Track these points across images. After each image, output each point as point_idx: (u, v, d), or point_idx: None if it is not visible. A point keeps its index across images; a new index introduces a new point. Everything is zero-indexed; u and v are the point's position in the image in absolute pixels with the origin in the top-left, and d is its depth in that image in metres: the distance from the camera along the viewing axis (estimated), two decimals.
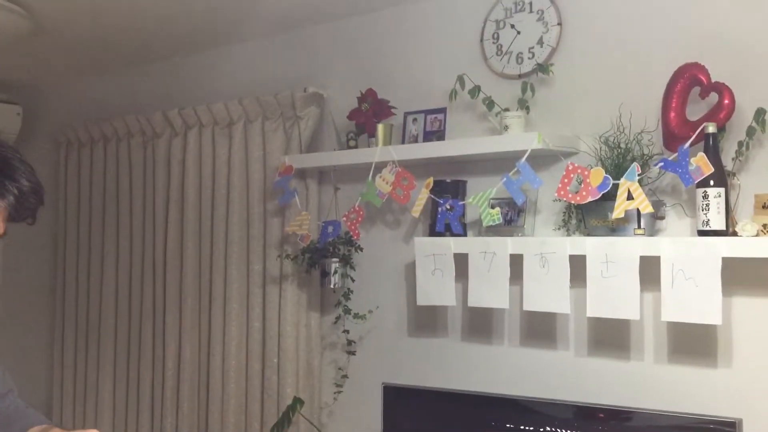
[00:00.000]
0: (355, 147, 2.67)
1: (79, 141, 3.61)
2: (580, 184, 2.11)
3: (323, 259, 2.68)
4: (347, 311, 2.68)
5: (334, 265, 2.67)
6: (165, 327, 3.18)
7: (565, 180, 2.13)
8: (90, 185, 3.55)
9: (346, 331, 2.70)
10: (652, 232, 2.09)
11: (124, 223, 3.40)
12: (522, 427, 2.19)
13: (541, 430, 2.16)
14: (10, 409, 1.35)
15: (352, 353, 2.71)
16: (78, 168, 3.61)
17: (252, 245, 2.93)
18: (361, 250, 2.70)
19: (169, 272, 3.18)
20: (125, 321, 3.37)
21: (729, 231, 1.92)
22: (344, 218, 2.62)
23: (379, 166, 2.53)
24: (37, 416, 1.35)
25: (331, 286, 2.68)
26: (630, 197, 2.00)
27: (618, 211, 2.02)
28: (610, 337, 2.20)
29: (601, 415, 2.07)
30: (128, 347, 3.35)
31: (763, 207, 1.89)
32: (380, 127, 2.58)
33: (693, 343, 2.06)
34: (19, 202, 1.20)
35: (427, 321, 2.59)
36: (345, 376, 2.75)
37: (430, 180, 2.41)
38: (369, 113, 2.61)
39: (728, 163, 1.96)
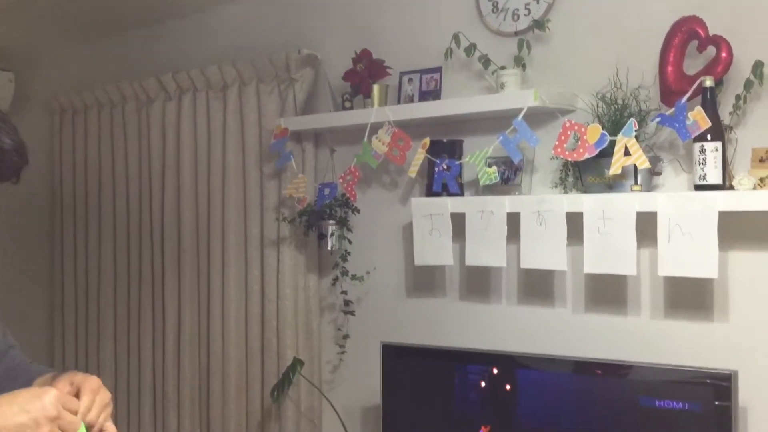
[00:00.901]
0: (351, 108, 2.66)
1: (73, 108, 3.58)
2: (577, 142, 2.10)
3: (320, 221, 2.68)
4: (345, 273, 2.69)
5: (332, 227, 2.67)
6: (164, 291, 3.20)
7: (562, 137, 2.12)
8: (85, 152, 3.53)
9: (344, 293, 2.71)
10: (649, 188, 2.09)
11: (120, 189, 3.40)
12: (520, 384, 2.21)
13: (540, 385, 2.18)
14: (14, 363, 1.36)
15: (351, 314, 2.73)
16: (73, 135, 3.59)
17: (249, 209, 2.93)
18: (358, 211, 2.70)
19: (167, 237, 3.19)
20: (124, 286, 3.39)
21: (726, 185, 1.92)
22: (341, 180, 2.62)
23: (375, 127, 2.52)
24: (43, 369, 1.36)
25: (329, 248, 2.68)
26: (627, 153, 2.00)
27: (615, 167, 2.01)
28: (607, 294, 2.21)
29: (599, 370, 2.09)
30: (128, 312, 3.37)
31: (760, 161, 1.89)
32: (375, 87, 2.56)
33: (689, 298, 2.08)
34: (2, 160, 1.19)
35: (424, 281, 2.61)
36: (347, 336, 2.77)
37: (427, 140, 2.40)
38: (364, 74, 2.59)
39: (725, 117, 1.96)
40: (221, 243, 3.01)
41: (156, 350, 3.25)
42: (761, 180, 1.88)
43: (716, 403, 1.88)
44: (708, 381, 1.90)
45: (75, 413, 1.10)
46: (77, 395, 1.16)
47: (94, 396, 1.15)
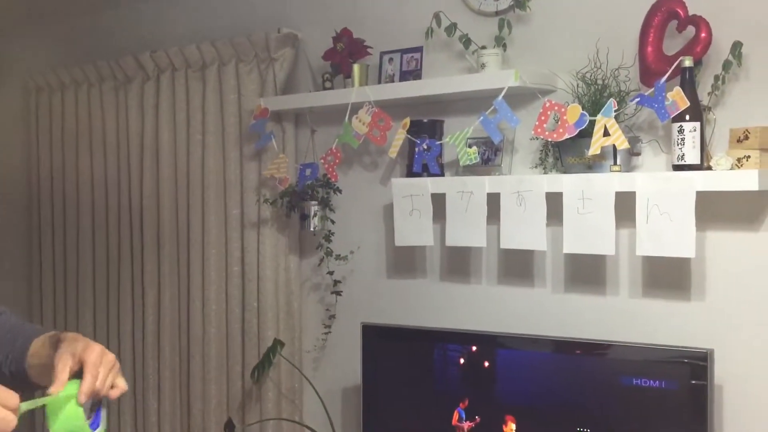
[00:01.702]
0: (331, 88, 2.64)
1: (50, 86, 3.53)
2: (557, 122, 2.11)
3: (302, 202, 2.67)
4: (329, 253, 2.68)
5: (314, 207, 2.66)
6: (144, 274, 3.18)
7: (542, 117, 2.12)
8: (62, 132, 3.49)
9: (331, 272, 2.70)
10: (628, 168, 2.10)
11: (98, 169, 3.36)
12: (499, 361, 2.23)
13: (518, 364, 2.20)
14: (7, 326, 1.31)
15: (339, 294, 2.72)
16: (50, 114, 3.54)
17: (229, 190, 2.91)
18: (340, 192, 2.69)
19: (146, 219, 3.16)
20: (103, 269, 3.36)
21: (704, 165, 1.93)
22: (322, 160, 2.61)
23: (356, 107, 2.50)
24: (39, 329, 1.33)
25: (311, 229, 2.67)
26: (606, 134, 2.00)
27: (594, 148, 2.02)
28: (586, 273, 2.23)
29: (577, 349, 2.11)
30: (107, 294, 3.35)
31: (738, 141, 1.90)
32: (356, 67, 2.54)
33: (667, 278, 2.10)
34: None
35: (405, 262, 2.61)
36: (333, 316, 2.76)
37: (407, 120, 2.39)
38: (344, 53, 2.57)
39: (704, 98, 1.96)
40: (201, 224, 2.99)
41: (135, 333, 3.24)
42: (738, 160, 1.89)
43: (692, 381, 1.90)
44: (684, 359, 1.92)
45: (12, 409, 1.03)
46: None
47: (97, 369, 1.12)
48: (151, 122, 3.13)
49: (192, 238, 3.01)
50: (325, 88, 2.65)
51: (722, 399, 2.00)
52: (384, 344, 2.42)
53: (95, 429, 1.15)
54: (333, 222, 2.71)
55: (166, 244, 3.10)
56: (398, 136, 2.40)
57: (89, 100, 3.38)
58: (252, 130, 2.78)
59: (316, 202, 2.67)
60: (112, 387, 1.16)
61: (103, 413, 1.18)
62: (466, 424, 2.23)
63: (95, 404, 1.16)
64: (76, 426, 1.10)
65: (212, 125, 2.94)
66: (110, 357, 1.16)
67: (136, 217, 3.22)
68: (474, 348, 2.25)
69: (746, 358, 1.98)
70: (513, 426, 2.16)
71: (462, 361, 2.27)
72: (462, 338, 2.28)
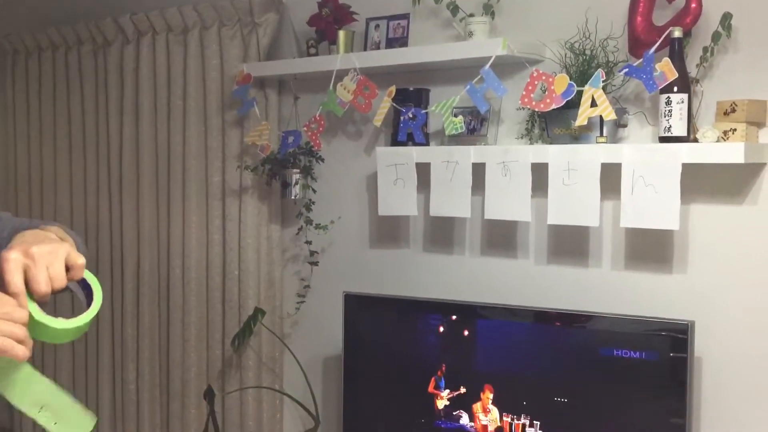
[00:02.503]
0: (316, 55, 2.60)
1: (26, 49, 3.44)
2: (544, 92, 2.09)
3: (284, 170, 2.64)
4: (309, 222, 2.66)
5: (295, 176, 2.63)
6: (123, 241, 3.14)
7: (530, 87, 2.10)
8: (39, 95, 3.41)
9: (309, 242, 2.68)
10: (614, 140, 2.09)
11: (76, 135, 3.30)
12: (479, 331, 2.23)
13: (499, 333, 2.20)
14: (4, 221, 1.19)
15: (315, 264, 2.71)
16: (26, 78, 3.46)
17: (210, 157, 2.87)
18: (323, 160, 2.67)
19: (125, 186, 3.11)
20: (81, 235, 3.31)
21: (690, 138, 1.93)
22: (305, 128, 2.57)
23: (341, 75, 2.46)
24: (36, 222, 1.19)
25: (292, 198, 2.65)
26: (593, 105, 1.99)
27: (582, 118, 2.00)
28: (569, 245, 2.23)
29: (558, 320, 2.11)
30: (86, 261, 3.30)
31: (725, 114, 1.89)
32: (341, 33, 2.50)
33: (650, 250, 2.10)
34: None
35: (388, 232, 2.59)
36: (307, 287, 2.75)
37: (393, 88, 2.36)
38: (330, 19, 2.53)
39: (692, 70, 1.95)
40: (182, 192, 2.95)
41: (114, 301, 3.20)
42: (725, 133, 1.88)
43: (673, 353, 1.91)
44: (665, 331, 1.93)
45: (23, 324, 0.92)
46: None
47: (44, 265, 0.97)
48: (131, 87, 3.07)
49: (172, 205, 2.97)
50: (309, 55, 2.61)
51: (702, 371, 2.01)
52: (366, 314, 2.41)
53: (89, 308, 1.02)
54: (314, 191, 2.69)
55: (146, 212, 3.06)
56: (383, 104, 2.37)
57: (67, 64, 3.30)
58: (234, 96, 2.73)
59: (298, 170, 2.64)
60: (68, 271, 1.01)
61: (92, 282, 1.05)
62: (445, 392, 2.24)
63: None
64: (32, 380, 0.98)
65: (193, 91, 2.89)
66: (61, 247, 1.01)
67: (114, 183, 3.16)
68: (454, 317, 2.25)
69: (727, 331, 1.99)
70: (491, 395, 2.17)
71: (442, 329, 2.27)
72: (443, 308, 2.28)
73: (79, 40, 3.24)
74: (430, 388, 2.26)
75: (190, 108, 2.90)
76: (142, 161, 3.05)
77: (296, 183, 2.63)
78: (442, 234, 2.47)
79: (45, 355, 3.37)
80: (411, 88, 2.39)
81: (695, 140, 1.92)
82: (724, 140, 1.88)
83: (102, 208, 3.22)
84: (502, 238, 2.35)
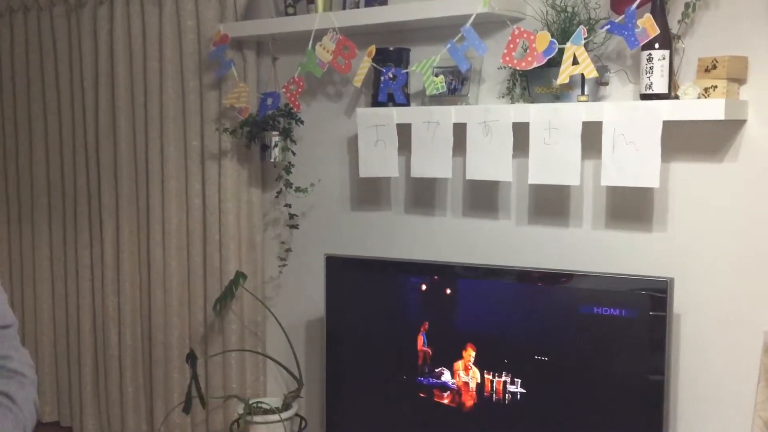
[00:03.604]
0: (294, 14, 2.55)
1: None
2: (526, 51, 2.07)
3: (263, 132, 2.61)
4: (289, 185, 2.64)
5: (275, 138, 2.60)
6: (101, 207, 3.09)
7: (511, 45, 2.08)
8: (11, 59, 3.33)
9: (288, 205, 2.67)
10: (596, 98, 2.08)
11: (50, 99, 3.23)
12: (461, 290, 2.23)
13: (480, 292, 2.21)
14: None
15: (295, 227, 2.69)
16: None
17: (188, 120, 2.83)
18: (302, 123, 2.64)
19: (102, 151, 3.06)
20: (59, 202, 3.27)
21: (671, 95, 1.92)
22: (284, 90, 2.54)
23: (319, 35, 2.43)
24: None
25: (272, 160, 2.62)
26: (575, 62, 1.97)
27: (563, 76, 1.99)
28: (550, 205, 2.23)
29: (538, 279, 2.12)
30: (64, 228, 3.26)
31: (706, 71, 1.88)
32: None
33: (630, 208, 2.10)
34: None
35: (369, 194, 2.58)
36: (289, 250, 2.74)
37: (373, 48, 2.33)
38: None
39: (674, 27, 1.94)
40: (160, 156, 2.91)
41: (95, 267, 3.17)
42: (706, 90, 1.88)
43: (652, 309, 1.93)
44: (645, 289, 1.95)
45: None
46: None
47: None
48: (105, 50, 3.00)
49: (151, 171, 2.94)
50: (287, 14, 2.56)
51: (680, 327, 2.03)
52: (348, 276, 2.41)
53: None
54: (294, 153, 2.66)
55: (124, 177, 3.02)
56: (363, 64, 2.34)
57: (39, 26, 3.22)
58: (212, 57, 2.69)
59: (278, 133, 2.61)
60: None
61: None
62: (428, 348, 2.25)
63: None
64: None
65: (170, 53, 2.84)
66: None
67: (91, 149, 3.11)
68: (435, 278, 2.25)
69: (705, 288, 2.01)
70: (473, 353, 2.19)
71: (424, 287, 2.27)
72: (424, 269, 2.28)
73: (51, 1, 3.16)
74: (419, 345, 2.27)
75: (166, 70, 2.85)
76: (119, 126, 3.00)
77: (276, 145, 2.60)
78: (424, 195, 2.46)
79: (26, 325, 3.34)
80: (391, 48, 2.35)
81: (676, 97, 1.92)
82: (705, 97, 1.87)
83: (79, 174, 3.17)
84: (483, 198, 2.34)
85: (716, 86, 1.86)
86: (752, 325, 1.94)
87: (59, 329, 3.32)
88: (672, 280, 1.93)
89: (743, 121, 1.92)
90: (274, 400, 2.66)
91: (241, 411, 2.60)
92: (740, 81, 1.91)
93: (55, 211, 3.28)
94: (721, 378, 2.00)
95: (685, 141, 2.00)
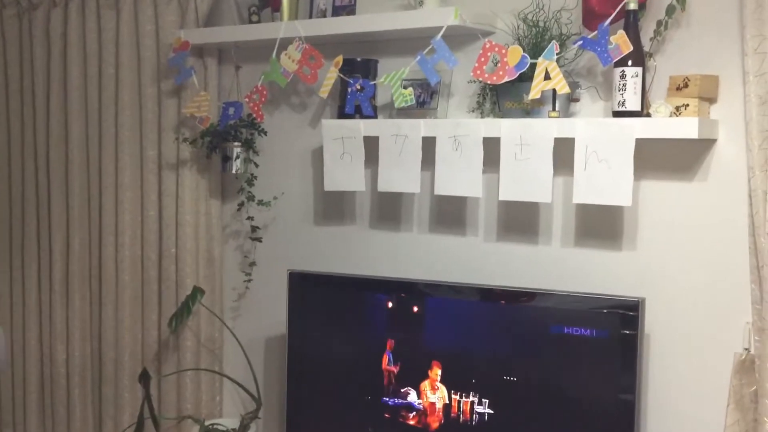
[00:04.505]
0: (258, 22, 2.49)
1: None
2: (497, 65, 2.03)
3: (224, 143, 2.53)
4: (251, 198, 2.56)
5: (236, 149, 2.52)
6: (50, 217, 2.96)
7: (482, 59, 2.04)
8: None
9: (251, 218, 2.58)
10: (567, 115, 2.05)
11: None
12: (428, 308, 2.18)
13: (447, 311, 2.16)
14: None
15: (258, 240, 2.61)
16: None
17: (145, 129, 2.73)
18: (265, 134, 2.56)
19: (53, 158, 2.94)
20: (5, 211, 3.12)
21: (643, 113, 1.90)
22: (246, 99, 2.46)
23: (285, 43, 2.36)
24: None
25: (233, 172, 2.54)
26: (547, 78, 1.94)
27: (535, 92, 1.96)
28: (520, 222, 2.19)
29: (506, 298, 2.08)
30: (10, 239, 3.12)
31: (677, 89, 1.87)
32: (285, 0, 2.39)
33: (600, 227, 2.08)
34: None
35: (334, 208, 2.51)
36: (253, 264, 2.65)
37: (340, 58, 2.27)
38: None
39: (646, 44, 1.93)
40: (114, 165, 2.80)
41: (42, 281, 3.03)
42: (677, 108, 1.87)
43: (623, 329, 1.90)
44: (616, 308, 1.92)
45: None
46: None
47: None
48: (59, 54, 2.89)
49: (104, 180, 2.82)
50: (251, 22, 2.49)
51: (650, 347, 2.01)
52: (311, 292, 2.33)
53: None
54: (257, 165, 2.58)
55: (76, 186, 2.89)
56: (330, 75, 2.28)
57: None
58: (171, 64, 2.60)
59: (240, 144, 2.53)
60: None
61: None
62: (394, 368, 2.19)
63: None
64: None
65: (127, 58, 2.74)
66: None
67: (41, 156, 2.98)
68: (402, 295, 2.19)
69: (674, 307, 1.99)
70: (439, 372, 2.13)
71: (389, 305, 2.21)
72: (390, 286, 2.22)
73: (2, 2, 3.03)
74: (384, 364, 2.20)
75: (123, 77, 2.75)
76: (72, 133, 2.88)
77: (237, 157, 2.52)
78: (390, 210, 2.41)
79: None
80: (359, 59, 2.30)
81: (648, 115, 1.90)
82: (677, 116, 1.86)
83: (28, 182, 3.04)
84: (451, 214, 2.30)
85: (688, 105, 1.85)
86: (722, 346, 1.92)
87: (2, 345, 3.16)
88: (644, 299, 1.91)
89: (713, 141, 1.92)
90: (230, 421, 2.56)
91: None
92: (711, 100, 1.90)
93: (1, 222, 3.13)
94: (690, 399, 1.98)
95: (655, 159, 1.98)
